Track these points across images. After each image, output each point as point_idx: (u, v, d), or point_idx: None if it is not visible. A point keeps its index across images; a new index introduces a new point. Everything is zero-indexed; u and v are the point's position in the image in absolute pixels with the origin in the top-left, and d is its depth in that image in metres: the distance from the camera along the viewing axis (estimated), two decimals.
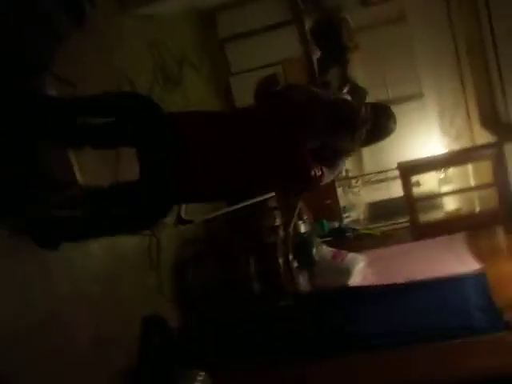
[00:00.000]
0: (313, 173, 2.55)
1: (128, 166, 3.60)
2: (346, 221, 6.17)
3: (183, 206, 4.55)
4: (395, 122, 2.81)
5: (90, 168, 3.51)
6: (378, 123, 2.74)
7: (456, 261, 5.03)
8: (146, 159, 2.76)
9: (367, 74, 6.78)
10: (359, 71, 6.72)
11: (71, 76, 3.40)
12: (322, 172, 2.61)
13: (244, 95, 2.74)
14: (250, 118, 2.73)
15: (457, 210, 6.71)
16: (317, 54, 6.31)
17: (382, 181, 6.78)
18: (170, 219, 4.43)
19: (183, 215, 4.57)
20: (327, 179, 2.70)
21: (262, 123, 2.65)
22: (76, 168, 3.38)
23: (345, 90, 6.13)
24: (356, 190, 6.80)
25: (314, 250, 4.72)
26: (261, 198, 4.62)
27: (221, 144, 2.62)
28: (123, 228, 3.08)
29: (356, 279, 5.01)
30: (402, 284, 4.69)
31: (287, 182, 2.92)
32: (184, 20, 5.71)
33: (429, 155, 6.61)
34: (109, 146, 3.32)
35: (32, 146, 2.98)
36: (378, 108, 2.82)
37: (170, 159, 2.63)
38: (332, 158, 2.70)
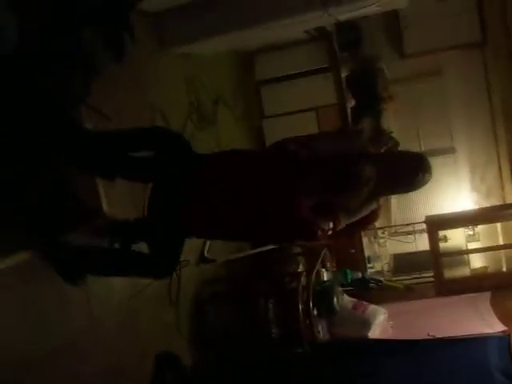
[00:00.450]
0: (315, 228, 2.48)
1: None
2: (369, 271, 6.10)
3: (207, 246, 4.56)
4: (431, 174, 2.66)
5: (117, 200, 3.55)
6: (412, 173, 2.64)
7: (480, 320, 4.94)
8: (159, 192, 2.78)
9: (400, 126, 6.78)
10: (392, 122, 6.73)
11: (107, 109, 3.46)
12: (336, 221, 2.54)
13: (276, 138, 2.72)
14: (259, 166, 2.68)
15: (483, 267, 6.59)
16: (351, 103, 6.34)
17: (408, 233, 6.71)
18: (192, 257, 4.44)
19: (206, 254, 4.58)
20: (341, 226, 2.64)
21: (267, 174, 2.61)
22: (104, 200, 3.41)
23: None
24: (382, 240, 6.74)
25: (335, 299, 4.65)
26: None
27: (230, 187, 2.59)
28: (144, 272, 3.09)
29: (376, 331, 4.94)
30: (424, 340, 4.60)
31: (290, 236, 2.83)
32: (222, 60, 5.78)
33: (458, 211, 6.56)
34: (139, 180, 3.37)
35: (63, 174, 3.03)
36: (414, 157, 2.74)
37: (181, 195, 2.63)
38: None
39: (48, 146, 2.70)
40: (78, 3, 2.33)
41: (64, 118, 2.76)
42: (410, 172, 2.62)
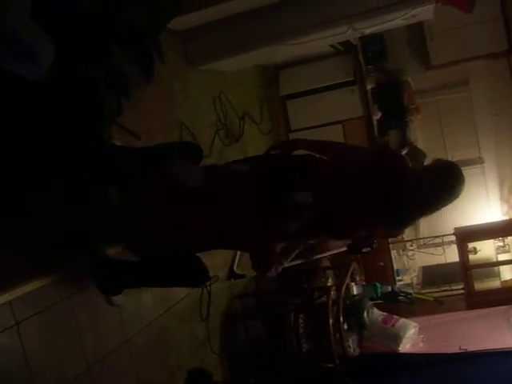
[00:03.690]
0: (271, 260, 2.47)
1: None
2: (398, 284, 6.07)
3: (236, 261, 4.58)
4: (462, 183, 2.48)
5: None
6: (446, 187, 2.47)
7: None
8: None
9: (427, 137, 6.77)
10: (419, 133, 6.72)
11: (136, 128, 3.50)
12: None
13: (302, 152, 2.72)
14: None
15: None
16: (377, 115, 6.34)
17: (437, 245, 6.67)
18: (222, 273, 4.46)
19: (235, 269, 4.59)
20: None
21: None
22: None
23: (403, 152, 6.13)
24: (410, 253, 6.71)
25: (365, 313, 4.64)
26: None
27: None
28: (173, 281, 3.12)
29: (407, 345, 4.90)
30: (456, 354, 4.56)
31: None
32: (247, 76, 5.83)
33: (487, 222, 6.50)
34: None
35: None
36: (445, 168, 2.53)
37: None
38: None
39: (81, 164, 2.75)
40: (117, 26, 2.37)
41: (98, 137, 2.81)
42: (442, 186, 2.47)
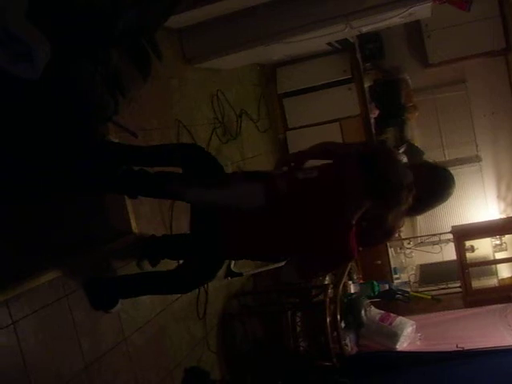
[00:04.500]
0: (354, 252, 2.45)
1: (183, 216, 3.68)
2: (396, 282, 6.07)
3: None
4: (454, 186, 2.54)
5: (145, 216, 3.58)
6: (436, 187, 2.54)
7: (509, 331, 4.88)
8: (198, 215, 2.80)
9: (425, 135, 6.76)
10: (416, 131, 6.72)
11: (133, 126, 3.49)
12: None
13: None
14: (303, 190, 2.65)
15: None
16: (375, 113, 6.33)
17: (434, 243, 6.66)
18: (220, 271, 4.45)
19: (233, 268, 4.59)
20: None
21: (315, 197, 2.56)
22: (132, 216, 3.44)
23: (401, 150, 6.12)
24: (408, 251, 6.70)
25: (363, 312, 4.65)
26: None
27: (272, 210, 2.58)
28: (174, 288, 3.14)
29: (404, 344, 4.90)
30: (453, 352, 4.56)
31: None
32: (245, 74, 5.81)
33: (484, 220, 6.50)
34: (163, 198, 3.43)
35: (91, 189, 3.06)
36: (435, 170, 2.61)
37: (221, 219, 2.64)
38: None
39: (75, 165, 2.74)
40: (115, 24, 2.34)
41: (93, 136, 2.80)
42: (443, 185, 2.54)
